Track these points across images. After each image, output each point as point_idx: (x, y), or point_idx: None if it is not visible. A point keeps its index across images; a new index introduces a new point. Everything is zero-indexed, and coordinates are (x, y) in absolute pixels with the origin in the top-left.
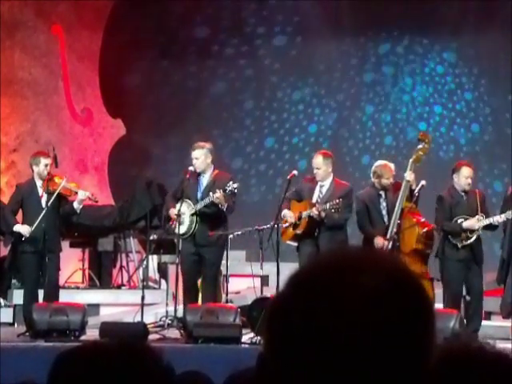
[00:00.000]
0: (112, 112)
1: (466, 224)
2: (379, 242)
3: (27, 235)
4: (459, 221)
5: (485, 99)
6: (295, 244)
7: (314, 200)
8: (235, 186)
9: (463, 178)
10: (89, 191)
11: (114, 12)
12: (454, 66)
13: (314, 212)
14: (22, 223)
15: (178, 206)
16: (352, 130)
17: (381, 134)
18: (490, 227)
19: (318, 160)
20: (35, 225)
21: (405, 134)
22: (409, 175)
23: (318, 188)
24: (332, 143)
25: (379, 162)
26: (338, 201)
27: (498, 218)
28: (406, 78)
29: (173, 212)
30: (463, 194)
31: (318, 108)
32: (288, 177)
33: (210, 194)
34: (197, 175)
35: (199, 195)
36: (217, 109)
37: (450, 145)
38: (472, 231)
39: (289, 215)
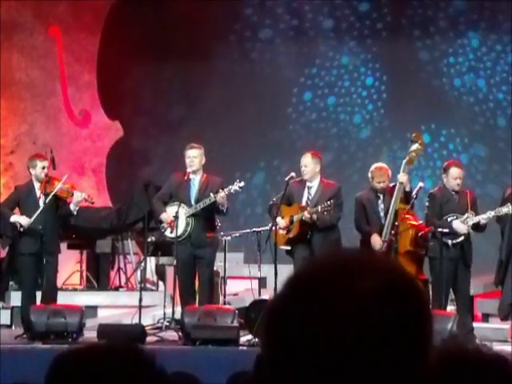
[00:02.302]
0: (110, 114)
1: (456, 224)
2: (375, 240)
3: (26, 226)
4: (449, 219)
5: None
6: (288, 248)
7: (303, 202)
8: (241, 184)
9: (452, 179)
10: (85, 192)
11: (111, 13)
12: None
13: (306, 216)
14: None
15: (174, 208)
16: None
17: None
18: (477, 228)
19: (307, 158)
20: (33, 218)
21: None
22: (401, 177)
23: (306, 190)
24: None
25: (376, 164)
26: (329, 203)
27: (488, 215)
28: None
29: (166, 216)
30: (454, 193)
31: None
32: (286, 178)
33: (211, 194)
34: (187, 179)
35: (192, 198)
36: (215, 111)
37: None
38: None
39: (280, 222)
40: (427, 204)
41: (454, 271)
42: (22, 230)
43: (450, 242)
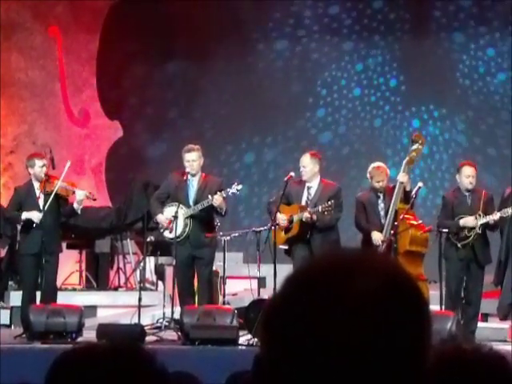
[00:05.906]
0: (109, 114)
1: (463, 221)
2: (376, 236)
3: (37, 221)
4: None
5: None
6: (286, 247)
7: (302, 202)
8: (239, 187)
9: (464, 177)
10: (86, 190)
11: (111, 13)
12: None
13: (306, 216)
14: (21, 224)
15: (173, 209)
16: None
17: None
18: (488, 227)
19: (305, 158)
20: (42, 213)
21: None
22: (402, 176)
23: (305, 190)
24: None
25: (374, 164)
26: (329, 203)
27: (494, 217)
28: None
29: (162, 218)
30: (467, 193)
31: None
32: (285, 178)
33: (209, 196)
34: (186, 179)
35: (191, 198)
36: (214, 111)
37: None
38: (470, 230)
39: (281, 218)
40: (441, 207)
41: (465, 272)
42: (34, 225)
43: (458, 244)
